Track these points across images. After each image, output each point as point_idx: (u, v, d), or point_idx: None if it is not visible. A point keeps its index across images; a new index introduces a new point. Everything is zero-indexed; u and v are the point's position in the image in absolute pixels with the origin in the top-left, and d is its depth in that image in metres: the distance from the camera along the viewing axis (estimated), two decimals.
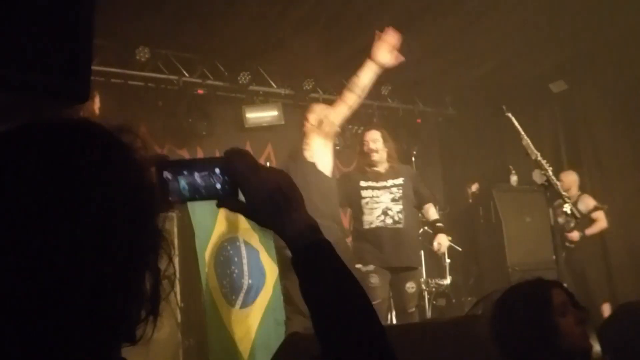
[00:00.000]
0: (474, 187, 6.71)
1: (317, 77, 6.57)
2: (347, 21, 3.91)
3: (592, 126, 6.94)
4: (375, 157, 4.69)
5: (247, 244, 5.47)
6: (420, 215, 5.05)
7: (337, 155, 6.48)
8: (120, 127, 0.77)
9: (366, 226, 4.57)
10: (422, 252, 5.60)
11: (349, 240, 4.72)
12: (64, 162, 0.68)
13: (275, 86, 6.52)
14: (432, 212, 4.93)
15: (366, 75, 3.77)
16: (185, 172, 0.94)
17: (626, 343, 1.95)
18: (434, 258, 6.17)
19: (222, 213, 5.36)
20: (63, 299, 0.65)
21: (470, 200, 6.74)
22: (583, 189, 6.57)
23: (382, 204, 4.58)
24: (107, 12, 4.40)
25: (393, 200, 4.60)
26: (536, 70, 6.59)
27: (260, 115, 6.32)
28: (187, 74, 6.00)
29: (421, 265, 5.12)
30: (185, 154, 5.93)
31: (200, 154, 5.90)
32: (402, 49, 3.69)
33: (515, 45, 5.97)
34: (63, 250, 0.65)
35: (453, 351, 2.23)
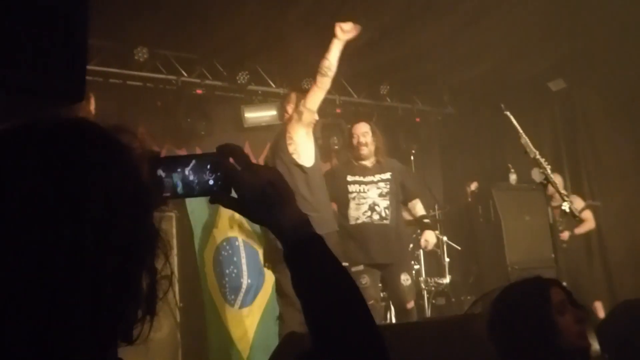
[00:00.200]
0: (473, 186, 6.72)
1: (315, 76, 6.55)
2: (345, 20, 3.93)
3: (591, 124, 6.94)
4: (364, 150, 4.65)
5: (246, 243, 5.47)
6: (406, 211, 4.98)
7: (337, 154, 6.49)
8: (117, 127, 0.77)
9: (352, 222, 4.52)
10: (421, 252, 5.60)
11: None
12: (62, 162, 0.68)
13: (274, 86, 6.52)
14: (419, 207, 4.87)
15: (334, 55, 3.94)
16: (178, 169, 0.95)
17: (625, 341, 1.95)
18: (434, 257, 6.18)
19: (221, 213, 5.37)
20: (62, 299, 0.65)
21: (470, 199, 6.74)
22: (583, 188, 6.58)
23: (369, 199, 4.53)
24: (105, 12, 4.41)
25: (380, 195, 4.55)
26: (535, 69, 6.59)
27: (259, 115, 6.31)
28: (185, 74, 5.99)
29: (411, 259, 5.04)
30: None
31: None
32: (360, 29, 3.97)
33: (513, 43, 5.96)
34: (63, 249, 0.65)
35: (452, 350, 2.23)
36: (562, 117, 7.19)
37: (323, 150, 6.29)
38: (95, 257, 0.66)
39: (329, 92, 6.57)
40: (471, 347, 2.01)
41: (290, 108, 4.19)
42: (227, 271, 5.31)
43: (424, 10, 5.30)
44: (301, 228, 0.94)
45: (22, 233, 0.64)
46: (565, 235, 5.99)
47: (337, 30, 3.88)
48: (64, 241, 0.65)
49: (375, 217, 4.51)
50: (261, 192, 0.94)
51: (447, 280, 5.80)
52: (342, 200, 4.57)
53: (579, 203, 6.24)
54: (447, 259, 5.95)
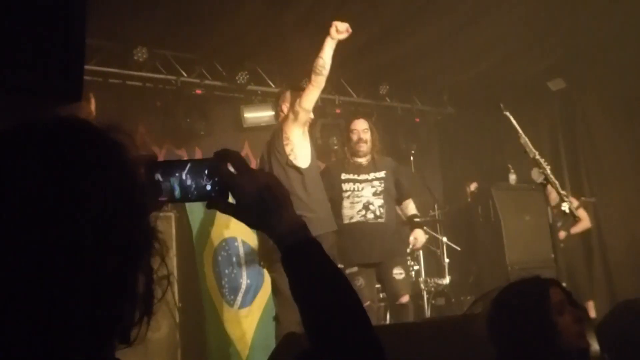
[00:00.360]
0: (473, 186, 6.71)
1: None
2: (344, 20, 3.94)
3: (590, 124, 6.94)
4: (363, 147, 4.63)
5: (245, 244, 5.47)
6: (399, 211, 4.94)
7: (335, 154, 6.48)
8: (114, 127, 0.77)
9: (346, 221, 4.49)
10: (421, 252, 5.60)
11: None
12: (62, 163, 0.69)
13: (273, 86, 6.51)
14: (411, 207, 4.84)
15: (327, 54, 3.94)
16: (176, 174, 0.96)
17: (625, 341, 1.95)
18: (434, 257, 6.18)
19: (220, 213, 5.36)
20: (62, 299, 0.65)
21: (469, 199, 6.74)
22: (582, 188, 6.57)
23: (364, 198, 4.51)
24: (105, 12, 4.41)
25: (375, 194, 4.53)
26: (534, 69, 6.59)
27: (259, 115, 6.31)
28: (185, 74, 5.99)
29: (405, 253, 5.03)
30: (183, 154, 5.93)
31: (198, 154, 5.89)
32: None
33: (513, 43, 5.96)
34: (62, 250, 0.65)
35: (452, 350, 2.22)
36: (562, 117, 7.19)
37: (322, 150, 6.29)
38: (95, 257, 0.67)
39: (329, 92, 6.62)
40: (471, 347, 2.01)
41: (285, 107, 4.19)
42: (226, 271, 5.31)
43: (424, 11, 5.30)
44: (297, 232, 0.95)
45: (22, 233, 0.64)
46: (562, 235, 6.00)
47: (332, 29, 3.90)
48: (64, 241, 0.65)
49: (370, 216, 4.50)
50: (258, 197, 0.95)
51: (446, 280, 5.80)
52: (336, 198, 4.53)
53: (574, 202, 6.25)
54: (446, 260, 5.95)
